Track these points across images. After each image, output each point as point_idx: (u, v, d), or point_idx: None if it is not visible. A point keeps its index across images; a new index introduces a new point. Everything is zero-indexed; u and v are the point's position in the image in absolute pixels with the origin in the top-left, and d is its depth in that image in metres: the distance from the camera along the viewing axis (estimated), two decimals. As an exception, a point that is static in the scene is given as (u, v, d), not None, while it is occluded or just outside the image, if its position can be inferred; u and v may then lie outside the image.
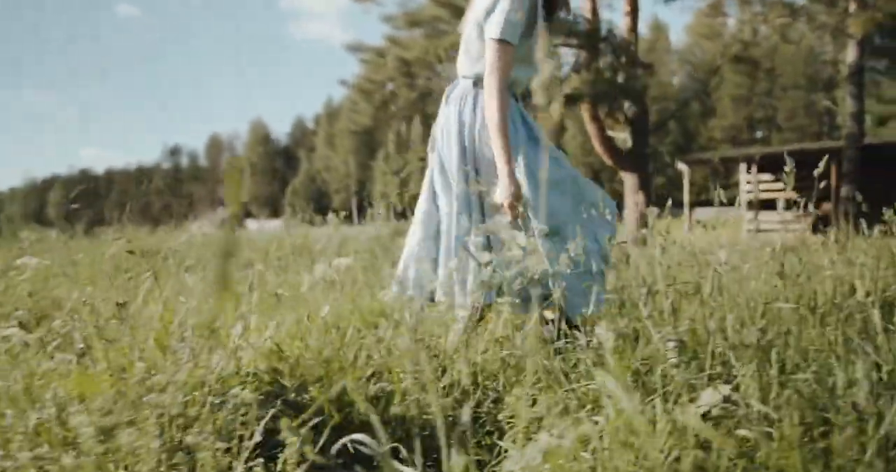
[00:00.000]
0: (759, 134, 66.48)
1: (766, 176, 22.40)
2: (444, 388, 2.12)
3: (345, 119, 77.34)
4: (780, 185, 22.19)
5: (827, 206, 19.19)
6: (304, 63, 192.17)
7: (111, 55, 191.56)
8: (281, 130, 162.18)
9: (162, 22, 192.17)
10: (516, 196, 2.47)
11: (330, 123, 78.48)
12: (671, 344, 1.90)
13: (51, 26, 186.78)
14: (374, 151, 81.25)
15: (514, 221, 2.49)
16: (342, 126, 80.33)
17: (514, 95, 2.70)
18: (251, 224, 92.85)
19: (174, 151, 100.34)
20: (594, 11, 15.33)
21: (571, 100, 12.39)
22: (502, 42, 2.53)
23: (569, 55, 14.40)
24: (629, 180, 15.07)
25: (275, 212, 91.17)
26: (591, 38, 13.95)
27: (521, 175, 2.56)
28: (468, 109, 2.66)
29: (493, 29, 2.54)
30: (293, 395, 2.15)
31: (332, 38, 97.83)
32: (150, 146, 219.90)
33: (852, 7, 16.31)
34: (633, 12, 15.59)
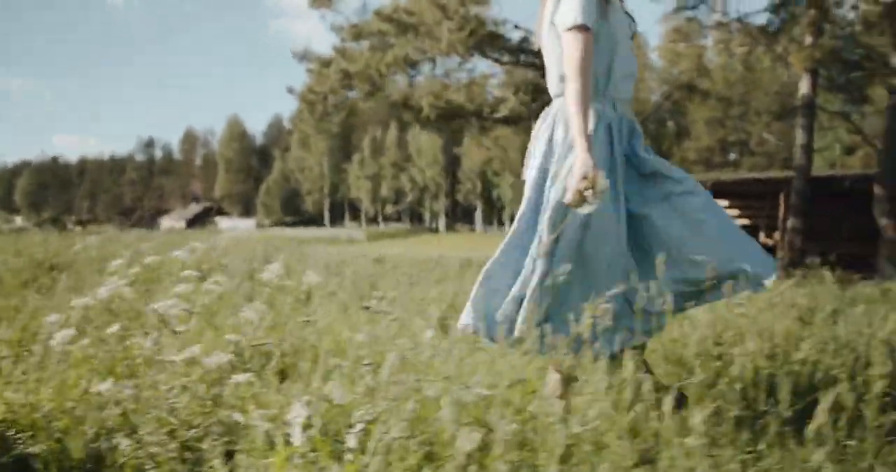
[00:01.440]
0: (732, 156, 67.13)
1: (721, 202, 22.60)
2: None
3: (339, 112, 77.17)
4: (733, 212, 22.40)
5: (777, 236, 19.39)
6: (285, 61, 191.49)
7: (92, 44, 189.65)
8: (257, 128, 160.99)
9: (145, 14, 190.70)
10: (589, 170, 2.19)
11: (409, 94, 78.05)
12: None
13: (32, 12, 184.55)
14: (349, 155, 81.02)
15: (584, 199, 2.22)
16: (318, 127, 79.98)
17: (614, 105, 2.46)
18: (223, 222, 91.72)
19: (148, 144, 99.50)
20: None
21: (517, 119, 12.40)
22: (576, 28, 2.32)
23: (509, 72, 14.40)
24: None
25: (247, 211, 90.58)
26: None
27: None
28: (560, 129, 2.41)
29: (566, 17, 2.34)
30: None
31: (315, 38, 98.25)
32: (126, 137, 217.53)
33: (808, 40, 16.52)
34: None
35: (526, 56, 13.62)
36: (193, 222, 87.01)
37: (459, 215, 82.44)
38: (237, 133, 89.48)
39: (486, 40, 12.23)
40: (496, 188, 69.24)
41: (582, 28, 2.30)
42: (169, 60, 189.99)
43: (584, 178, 2.19)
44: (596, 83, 2.39)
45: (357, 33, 13.36)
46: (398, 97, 13.05)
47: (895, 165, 14.40)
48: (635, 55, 2.53)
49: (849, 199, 19.17)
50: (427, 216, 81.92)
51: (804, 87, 17.34)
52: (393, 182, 77.29)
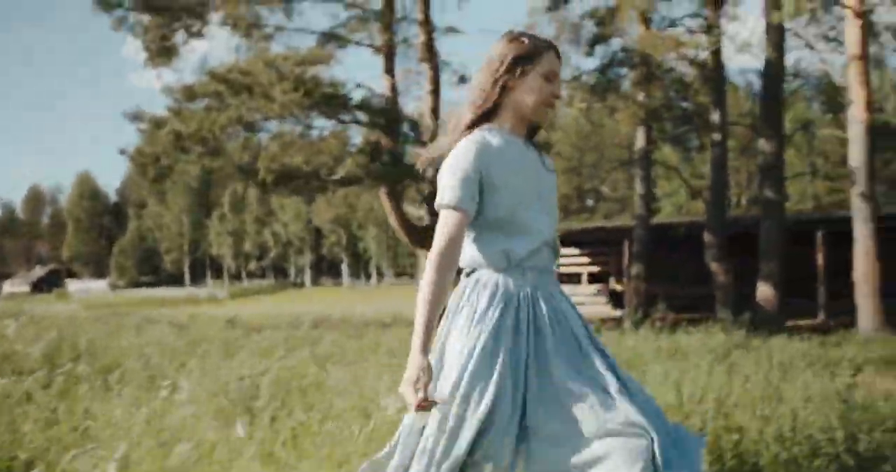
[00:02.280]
0: (589, 203, 70.17)
1: (572, 250, 23.32)
2: None
3: (177, 174, 74.69)
4: (584, 259, 23.14)
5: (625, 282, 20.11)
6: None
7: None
8: (111, 185, 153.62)
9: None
10: (420, 381, 1.91)
11: (183, 171, 75.28)
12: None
13: None
14: (209, 210, 78.67)
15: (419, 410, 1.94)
16: (176, 182, 77.49)
17: (522, 269, 2.12)
18: (73, 285, 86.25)
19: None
20: (393, 88, 15.47)
21: (354, 180, 12.30)
22: (449, 208, 2.06)
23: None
24: (423, 259, 15.07)
25: (100, 272, 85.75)
26: (389, 119, 14.00)
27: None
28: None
29: (441, 192, 2.08)
30: None
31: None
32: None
33: (640, 97, 17.50)
34: (436, 92, 15.90)
35: (367, 115, 13.66)
36: (39, 286, 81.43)
37: (325, 269, 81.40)
38: (88, 191, 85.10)
39: (324, 101, 12.14)
40: (361, 241, 68.95)
41: (455, 209, 2.05)
42: (12, 114, 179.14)
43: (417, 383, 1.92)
44: (499, 259, 2.11)
45: (191, 94, 12.99)
46: (236, 159, 12.68)
47: (722, 214, 15.30)
48: (554, 204, 2.24)
49: (687, 244, 20.27)
50: (292, 271, 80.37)
51: (640, 140, 18.32)
52: (256, 238, 75.53)
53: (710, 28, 14.34)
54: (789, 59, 15.13)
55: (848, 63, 12.22)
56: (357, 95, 14.06)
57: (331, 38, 15.06)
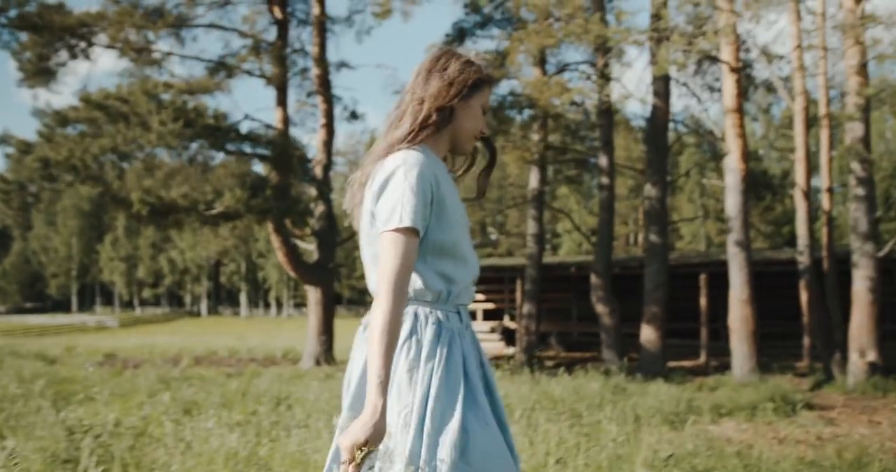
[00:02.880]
0: (493, 237, 70.98)
1: (468, 287, 23.30)
2: None
3: (68, 197, 71.44)
4: (480, 296, 23.17)
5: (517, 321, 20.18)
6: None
7: None
8: None
9: None
10: (375, 437, 1.68)
11: (51, 200, 71.87)
12: None
13: None
14: (101, 234, 75.45)
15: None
16: (66, 204, 74.11)
17: (456, 304, 1.96)
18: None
19: None
20: (285, 120, 15.17)
21: (233, 215, 11.89)
22: (400, 231, 1.80)
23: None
24: (313, 294, 14.70)
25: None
26: (279, 152, 13.66)
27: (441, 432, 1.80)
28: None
29: (388, 212, 1.82)
30: None
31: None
32: None
33: (535, 137, 17.75)
34: (329, 125, 15.69)
35: (253, 147, 13.29)
36: None
37: (224, 298, 79.15)
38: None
39: (206, 132, 11.71)
40: (262, 270, 67.44)
41: (408, 231, 1.82)
42: None
43: (367, 440, 1.68)
44: (440, 290, 1.92)
45: (63, 119, 12.30)
46: (109, 190, 12.00)
47: (608, 256, 15.57)
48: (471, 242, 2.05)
49: (578, 283, 20.61)
50: (188, 299, 77.76)
51: (533, 180, 18.53)
52: (151, 264, 72.82)
53: (602, 75, 14.71)
54: (678, 107, 15.67)
55: (725, 115, 12.71)
56: (246, 126, 13.74)
57: (221, 66, 14.66)
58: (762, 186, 17.39)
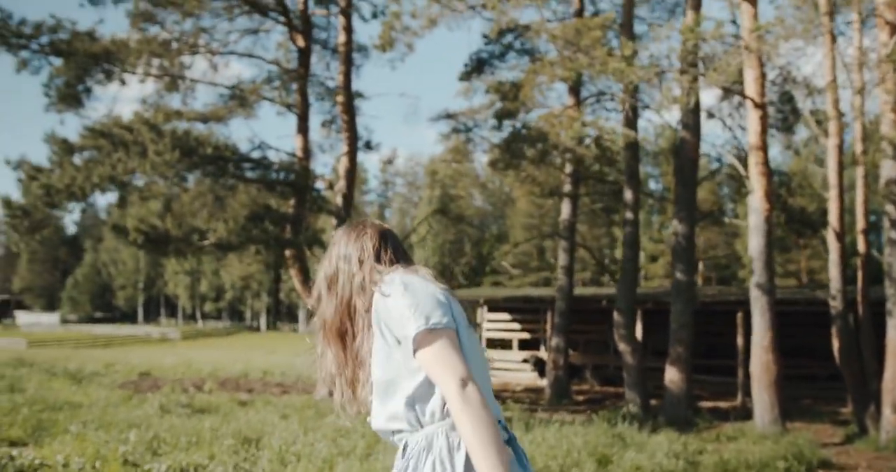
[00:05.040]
0: (551, 260, 70.18)
1: (502, 315, 22.94)
2: None
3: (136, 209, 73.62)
4: (515, 325, 22.76)
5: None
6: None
7: None
8: (70, 216, 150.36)
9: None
10: None
11: (121, 213, 74.19)
12: None
13: None
14: (167, 248, 77.53)
15: None
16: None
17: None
18: (23, 317, 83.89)
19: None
20: (305, 149, 15.15)
21: (229, 246, 11.85)
22: (442, 329, 1.75)
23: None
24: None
25: (51, 304, 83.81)
26: (297, 183, 13.62)
27: None
28: None
29: (413, 319, 1.75)
30: None
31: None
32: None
33: (568, 169, 17.34)
34: (352, 155, 15.61)
35: (264, 175, 13.27)
36: (-14, 317, 79.33)
37: (283, 313, 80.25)
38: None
39: (206, 161, 11.77)
40: (318, 287, 68.00)
41: (448, 327, 1.76)
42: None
43: None
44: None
45: (68, 148, 12.54)
46: (108, 218, 12.19)
47: (632, 292, 15.02)
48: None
49: (612, 315, 19.97)
50: (248, 314, 79.13)
51: (564, 212, 18.11)
52: (213, 278, 74.45)
53: (629, 107, 14.26)
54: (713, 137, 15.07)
55: (749, 152, 12.11)
56: (268, 155, 13.77)
57: (240, 94, 14.78)
58: (799, 222, 16.55)
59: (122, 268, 78.31)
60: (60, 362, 24.87)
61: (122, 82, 15.39)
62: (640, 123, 15.52)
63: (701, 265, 59.98)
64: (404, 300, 1.77)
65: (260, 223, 12.13)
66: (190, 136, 11.79)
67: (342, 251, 2.00)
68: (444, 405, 1.75)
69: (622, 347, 14.80)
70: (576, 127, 11.49)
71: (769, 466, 8.84)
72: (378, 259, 1.96)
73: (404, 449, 1.83)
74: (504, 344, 23.81)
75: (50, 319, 73.31)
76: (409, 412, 1.80)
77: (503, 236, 69.29)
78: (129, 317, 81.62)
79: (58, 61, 14.47)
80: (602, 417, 11.84)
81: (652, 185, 57.03)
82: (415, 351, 1.75)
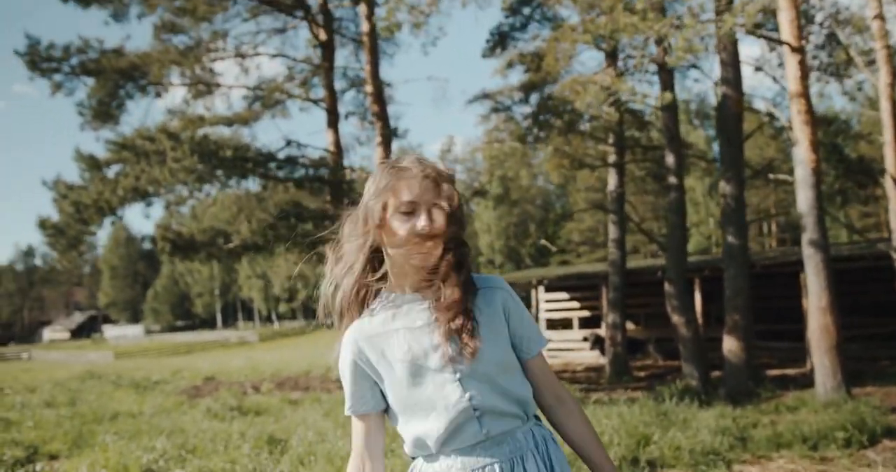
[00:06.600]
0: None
1: (560, 295, 22.44)
2: None
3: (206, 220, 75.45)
4: (574, 304, 22.23)
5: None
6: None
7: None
8: (145, 231, 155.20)
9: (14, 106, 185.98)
10: None
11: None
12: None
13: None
14: (238, 253, 79.28)
15: None
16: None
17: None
18: (110, 330, 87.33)
19: (28, 253, 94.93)
20: (337, 144, 14.98)
21: (254, 247, 11.74)
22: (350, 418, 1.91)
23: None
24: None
25: (135, 316, 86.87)
26: (330, 177, 13.45)
27: None
28: None
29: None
30: None
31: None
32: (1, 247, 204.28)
33: (611, 139, 16.72)
34: (386, 145, 15.36)
35: (291, 172, 13.12)
36: (78, 332, 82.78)
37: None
38: (122, 238, 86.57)
39: (227, 164, 11.67)
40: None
41: (351, 419, 1.88)
42: (42, 162, 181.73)
43: None
44: (414, 449, 1.84)
45: (95, 164, 12.67)
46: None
47: (682, 261, 14.38)
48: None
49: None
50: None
51: (611, 183, 17.47)
52: (285, 280, 75.74)
53: (660, 67, 13.58)
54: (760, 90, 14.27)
55: (790, 101, 11.31)
56: (297, 153, 13.64)
57: (263, 94, 14.69)
58: (859, 172, 15.50)
59: (198, 276, 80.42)
60: (133, 372, 25.54)
61: (158, 95, 15.53)
62: (688, 83, 14.72)
63: (774, 226, 57.87)
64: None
65: (286, 222, 12.03)
66: (209, 140, 11.76)
67: None
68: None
69: (675, 318, 14.19)
70: (591, 91, 10.90)
71: (826, 438, 8.18)
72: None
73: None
74: (565, 324, 23.33)
75: (135, 330, 76.05)
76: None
77: (567, 214, 68.27)
78: (208, 323, 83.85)
79: (90, 81, 14.64)
80: (656, 394, 11.32)
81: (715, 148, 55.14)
82: None
